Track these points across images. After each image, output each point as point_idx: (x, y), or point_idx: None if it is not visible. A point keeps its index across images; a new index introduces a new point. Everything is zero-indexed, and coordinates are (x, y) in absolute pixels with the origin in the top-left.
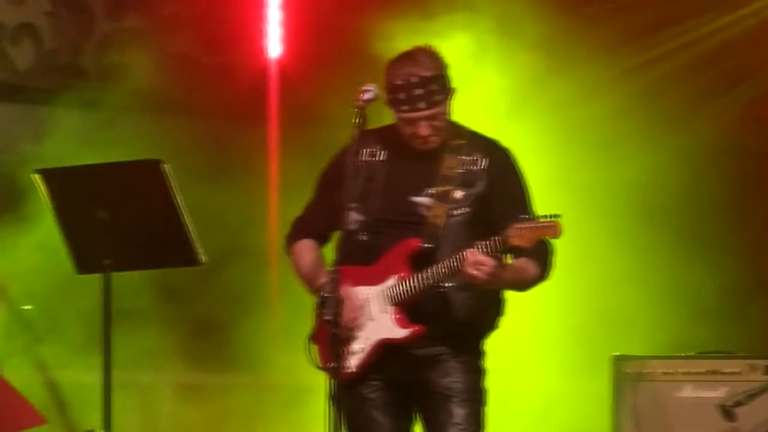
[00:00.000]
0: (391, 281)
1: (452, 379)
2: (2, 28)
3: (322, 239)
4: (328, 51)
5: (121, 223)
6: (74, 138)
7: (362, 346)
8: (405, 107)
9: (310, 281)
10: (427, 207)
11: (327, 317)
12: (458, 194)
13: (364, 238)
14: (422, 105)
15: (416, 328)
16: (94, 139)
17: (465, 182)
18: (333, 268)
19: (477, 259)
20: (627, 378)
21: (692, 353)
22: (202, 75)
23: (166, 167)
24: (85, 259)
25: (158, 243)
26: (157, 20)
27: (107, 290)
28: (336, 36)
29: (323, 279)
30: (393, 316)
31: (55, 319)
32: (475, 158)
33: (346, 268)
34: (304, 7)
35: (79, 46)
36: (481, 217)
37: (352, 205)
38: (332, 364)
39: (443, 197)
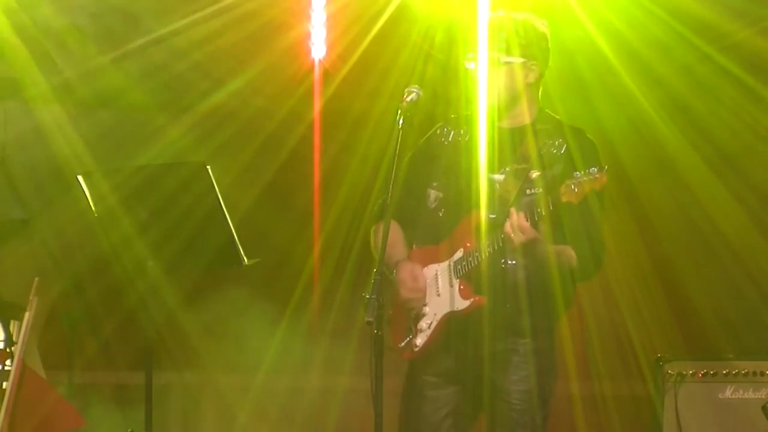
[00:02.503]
0: (458, 254)
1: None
2: None
3: (403, 221)
4: (372, 53)
5: (164, 225)
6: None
7: (430, 321)
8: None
9: (386, 262)
10: (500, 182)
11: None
12: (534, 174)
13: (442, 214)
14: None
15: (477, 298)
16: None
17: (543, 163)
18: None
19: (520, 224)
20: (669, 379)
21: (732, 355)
22: (246, 74)
23: (209, 168)
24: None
25: (201, 244)
26: (200, 20)
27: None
28: (380, 38)
29: (398, 255)
30: (458, 288)
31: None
32: (557, 142)
33: (418, 250)
34: (349, 9)
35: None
36: (545, 201)
37: (434, 183)
38: (403, 343)
39: (518, 174)
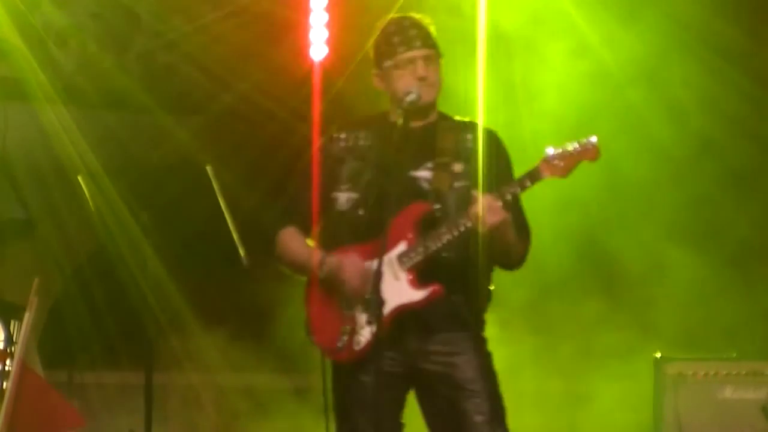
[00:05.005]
0: (401, 246)
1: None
2: None
3: (304, 228)
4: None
5: (165, 225)
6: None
7: (374, 315)
8: (402, 48)
9: (303, 265)
10: (428, 179)
11: (370, 318)
12: (457, 167)
13: (361, 212)
14: (418, 43)
15: (434, 288)
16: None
17: (462, 157)
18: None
19: (491, 205)
20: (669, 379)
21: (733, 355)
22: (247, 76)
23: (210, 169)
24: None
25: (202, 244)
26: (202, 23)
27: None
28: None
29: (317, 258)
30: (406, 280)
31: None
32: (467, 137)
33: (350, 247)
34: (350, 10)
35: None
36: (469, 193)
37: (342, 187)
38: (340, 343)
39: (444, 168)
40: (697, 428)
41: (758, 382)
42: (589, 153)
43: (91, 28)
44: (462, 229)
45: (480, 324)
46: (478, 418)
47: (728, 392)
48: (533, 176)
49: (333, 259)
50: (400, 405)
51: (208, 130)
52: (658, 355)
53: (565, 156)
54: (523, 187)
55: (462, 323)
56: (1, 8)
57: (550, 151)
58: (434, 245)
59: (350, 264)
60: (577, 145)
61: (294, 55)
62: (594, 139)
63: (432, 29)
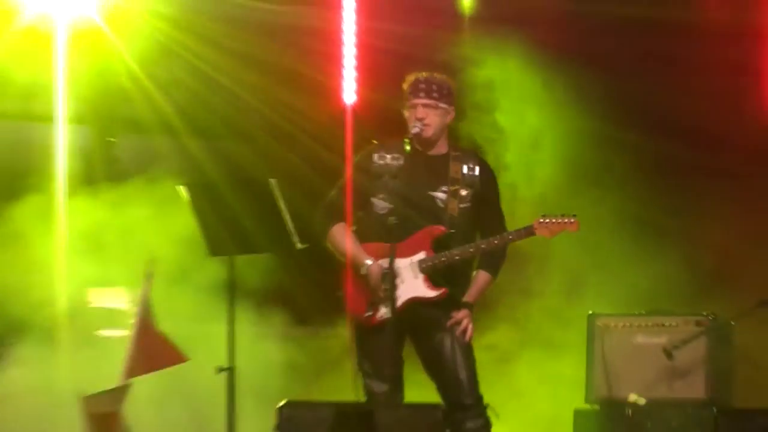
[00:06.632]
0: (420, 255)
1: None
2: None
3: (346, 222)
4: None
5: (242, 221)
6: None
7: (394, 300)
8: (411, 96)
9: (354, 258)
10: (443, 201)
11: (383, 294)
12: (463, 192)
13: (393, 220)
14: (421, 94)
15: (444, 289)
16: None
17: (467, 183)
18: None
19: (458, 320)
20: (597, 330)
21: (643, 311)
22: (297, 117)
23: (273, 182)
24: (217, 246)
25: (266, 233)
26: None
27: (231, 268)
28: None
29: (364, 256)
30: (424, 282)
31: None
32: (471, 165)
33: (371, 245)
34: (377, 59)
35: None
36: (474, 210)
37: (379, 195)
38: (368, 313)
39: (454, 194)
40: (618, 365)
41: (660, 331)
42: (573, 226)
43: (189, 79)
44: (466, 255)
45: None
46: (460, 359)
47: (640, 338)
48: (530, 232)
49: (364, 267)
50: (401, 346)
51: (266, 154)
52: (590, 312)
53: (557, 223)
54: (520, 237)
55: (454, 304)
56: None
57: (546, 216)
58: (447, 260)
59: (375, 266)
60: (567, 219)
61: (331, 101)
62: (575, 217)
63: (448, 84)
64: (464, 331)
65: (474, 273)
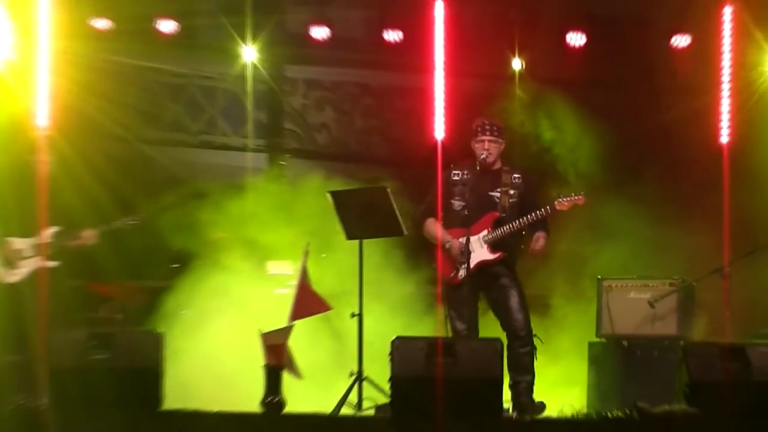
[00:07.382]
0: (484, 232)
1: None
2: None
3: (436, 217)
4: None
5: (368, 216)
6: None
7: (468, 264)
8: (479, 133)
9: (442, 239)
10: (498, 198)
11: (462, 260)
12: (511, 191)
13: (466, 213)
14: (487, 133)
15: (500, 253)
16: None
17: (513, 186)
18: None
19: (539, 236)
20: (603, 289)
21: (634, 276)
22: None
23: (389, 188)
24: (351, 233)
25: (383, 223)
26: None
27: (361, 250)
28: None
29: (448, 237)
30: (487, 249)
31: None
32: (517, 176)
33: (453, 229)
34: (463, 100)
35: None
36: (519, 203)
37: (456, 198)
38: (452, 274)
39: (506, 192)
40: (618, 314)
41: (646, 289)
42: (581, 201)
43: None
44: (515, 228)
45: (514, 265)
46: (516, 304)
47: (632, 294)
48: (553, 209)
49: (448, 243)
50: (476, 298)
51: (383, 175)
52: (599, 276)
53: (570, 201)
54: (546, 214)
55: (508, 265)
56: None
57: (561, 197)
58: (502, 233)
59: (455, 247)
60: (576, 197)
61: (424, 134)
62: (582, 194)
63: (502, 125)
64: (537, 240)
65: (536, 234)
